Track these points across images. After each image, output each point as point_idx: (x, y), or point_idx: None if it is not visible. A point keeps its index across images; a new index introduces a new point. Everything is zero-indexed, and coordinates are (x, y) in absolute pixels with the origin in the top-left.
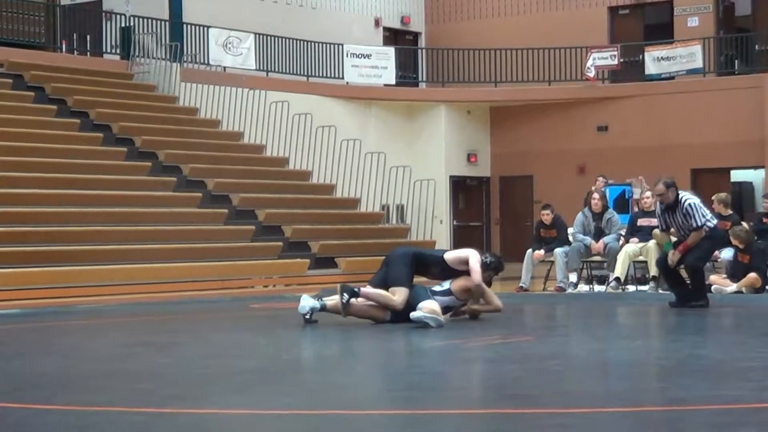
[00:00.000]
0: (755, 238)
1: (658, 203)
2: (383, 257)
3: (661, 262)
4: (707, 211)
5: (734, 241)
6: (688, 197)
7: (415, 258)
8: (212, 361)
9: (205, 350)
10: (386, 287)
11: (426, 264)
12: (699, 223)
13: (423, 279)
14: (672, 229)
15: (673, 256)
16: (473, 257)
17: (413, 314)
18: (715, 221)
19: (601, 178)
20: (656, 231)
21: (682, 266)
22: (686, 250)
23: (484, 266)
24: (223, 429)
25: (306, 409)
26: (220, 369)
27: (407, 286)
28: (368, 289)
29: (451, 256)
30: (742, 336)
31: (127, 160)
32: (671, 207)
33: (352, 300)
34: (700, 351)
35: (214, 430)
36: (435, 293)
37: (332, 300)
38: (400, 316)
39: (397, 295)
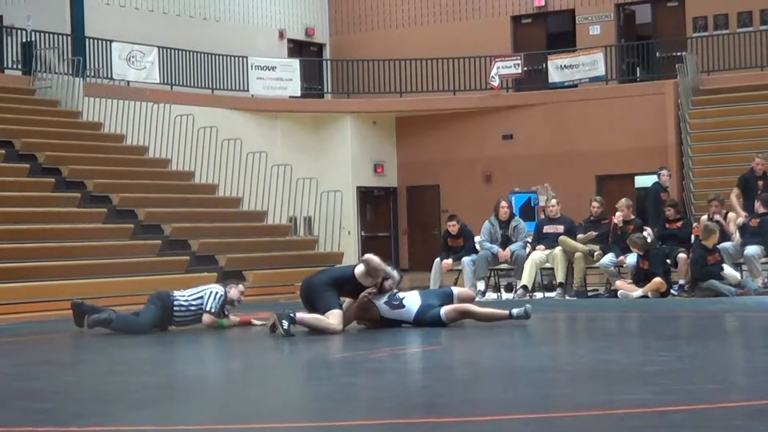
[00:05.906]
0: (659, 243)
1: None
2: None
3: None
4: None
5: (633, 248)
6: None
7: (332, 281)
8: (117, 378)
9: (110, 367)
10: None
11: (340, 285)
12: None
13: None
14: None
15: None
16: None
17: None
18: None
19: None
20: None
21: None
22: None
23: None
24: None
25: (212, 424)
26: (124, 385)
27: (339, 308)
28: (304, 315)
29: (358, 270)
30: (646, 340)
31: (30, 177)
32: None
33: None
34: (605, 356)
35: None
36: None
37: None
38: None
39: (332, 318)
